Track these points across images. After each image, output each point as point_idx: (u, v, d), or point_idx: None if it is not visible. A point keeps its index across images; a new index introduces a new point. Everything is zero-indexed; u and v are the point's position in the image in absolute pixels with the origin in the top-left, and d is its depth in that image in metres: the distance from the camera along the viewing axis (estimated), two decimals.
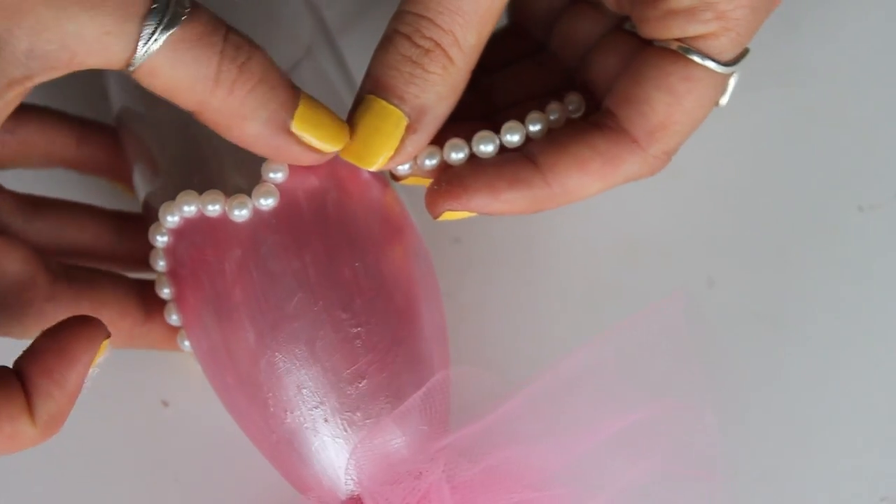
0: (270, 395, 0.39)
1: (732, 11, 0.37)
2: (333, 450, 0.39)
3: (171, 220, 0.40)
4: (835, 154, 0.49)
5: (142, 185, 0.43)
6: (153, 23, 0.34)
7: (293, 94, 0.36)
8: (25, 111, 0.44)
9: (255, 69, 0.35)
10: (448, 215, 0.39)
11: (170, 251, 0.41)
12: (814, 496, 0.45)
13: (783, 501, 0.45)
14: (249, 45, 0.35)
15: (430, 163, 0.40)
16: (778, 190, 0.48)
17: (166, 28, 0.34)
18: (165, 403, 0.46)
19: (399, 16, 0.37)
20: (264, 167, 0.39)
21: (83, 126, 0.45)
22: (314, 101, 0.37)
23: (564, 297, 0.47)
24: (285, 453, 0.40)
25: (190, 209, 0.39)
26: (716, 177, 0.48)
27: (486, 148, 0.40)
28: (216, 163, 0.41)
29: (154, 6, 0.34)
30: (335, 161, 0.39)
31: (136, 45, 0.34)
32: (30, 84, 0.34)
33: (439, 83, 0.37)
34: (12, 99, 0.34)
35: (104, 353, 0.35)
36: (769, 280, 0.47)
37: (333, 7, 0.48)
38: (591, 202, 0.41)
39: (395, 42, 0.37)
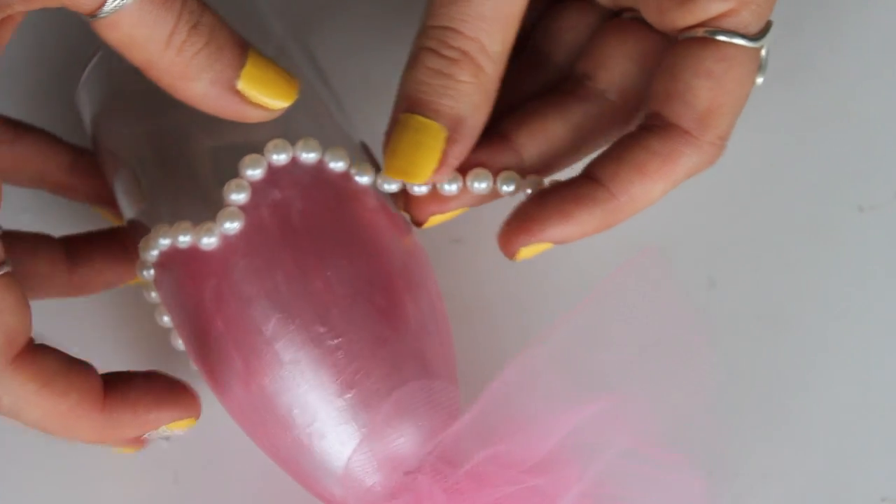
0: (268, 416, 0.39)
1: None
2: (337, 463, 0.38)
3: (152, 254, 0.40)
4: (835, 154, 0.49)
5: (123, 208, 0.43)
6: None
7: (240, 53, 0.36)
8: (25, 129, 0.44)
9: (204, 31, 0.35)
10: (523, 253, 0.39)
11: (158, 284, 0.41)
12: (814, 496, 0.45)
13: (783, 501, 0.45)
14: (201, 8, 0.35)
15: (451, 188, 0.40)
16: (778, 190, 0.48)
17: None
18: None
19: (422, 32, 0.38)
20: (225, 189, 0.39)
21: (77, 152, 0.45)
22: (263, 60, 0.37)
23: (565, 297, 0.46)
24: (295, 469, 0.40)
25: (165, 242, 0.39)
26: (716, 177, 0.47)
27: (481, 185, 0.40)
28: (186, 185, 0.41)
29: None
30: (297, 168, 0.39)
31: None
32: (8, 10, 0.34)
33: (472, 92, 0.38)
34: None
35: (183, 428, 0.39)
36: (769, 280, 0.47)
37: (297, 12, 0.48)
38: None
39: (421, 58, 0.38)
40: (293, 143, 0.39)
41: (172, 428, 0.39)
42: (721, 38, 0.38)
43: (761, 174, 0.48)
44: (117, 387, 0.37)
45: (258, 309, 0.38)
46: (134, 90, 0.41)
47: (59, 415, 0.36)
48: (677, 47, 0.39)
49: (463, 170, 0.40)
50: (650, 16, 0.40)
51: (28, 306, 0.35)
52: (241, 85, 0.36)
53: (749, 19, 0.38)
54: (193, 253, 0.39)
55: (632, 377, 0.39)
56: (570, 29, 0.43)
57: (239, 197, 0.39)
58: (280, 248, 0.38)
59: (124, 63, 0.39)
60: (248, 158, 0.39)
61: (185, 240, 0.39)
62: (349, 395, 0.38)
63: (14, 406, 0.35)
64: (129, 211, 0.42)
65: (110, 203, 0.45)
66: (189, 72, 0.35)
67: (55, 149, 0.45)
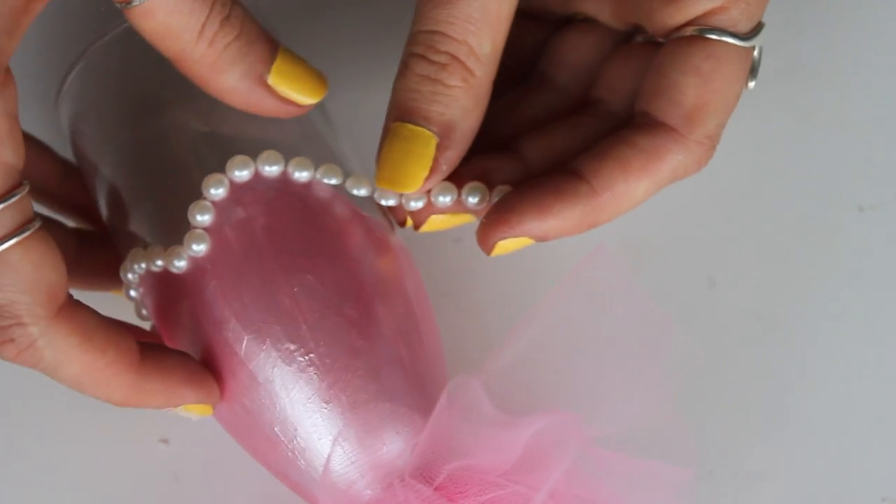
0: (254, 434, 0.39)
1: None
2: (325, 476, 0.38)
3: (132, 277, 0.40)
4: (835, 154, 0.49)
5: (105, 216, 0.43)
6: None
7: (271, 47, 0.36)
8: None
9: (235, 23, 0.35)
10: (501, 248, 0.39)
11: (144, 302, 0.41)
12: (814, 496, 0.45)
13: (783, 501, 0.45)
14: (232, 1, 0.35)
15: (445, 200, 0.39)
16: (778, 190, 0.48)
17: None
18: None
19: (411, 38, 0.37)
20: (189, 211, 0.38)
21: (68, 165, 0.45)
22: (292, 55, 0.37)
23: None
24: (287, 481, 0.40)
25: (140, 267, 0.39)
26: (716, 177, 0.47)
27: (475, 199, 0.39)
28: (164, 200, 0.41)
29: None
30: (260, 183, 0.39)
31: None
32: None
33: (462, 96, 0.37)
34: (33, 8, 0.34)
35: (199, 414, 0.39)
36: (769, 280, 0.47)
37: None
38: None
39: (410, 64, 0.37)
40: (255, 157, 0.39)
41: (190, 410, 0.39)
42: (710, 35, 0.38)
43: (761, 174, 0.48)
44: (153, 354, 0.38)
45: (230, 330, 0.38)
46: (112, 102, 0.41)
47: (96, 370, 0.36)
48: (667, 46, 0.39)
49: (461, 182, 0.40)
50: (646, 22, 0.40)
51: (63, 261, 0.35)
52: (272, 79, 0.36)
53: (739, 17, 0.38)
54: (167, 276, 0.39)
55: (598, 375, 0.39)
56: (574, 51, 0.43)
57: (203, 218, 0.38)
58: (245, 267, 0.38)
59: (103, 75, 0.38)
60: (209, 178, 0.38)
61: (158, 264, 0.39)
62: (326, 409, 0.38)
63: (54, 360, 0.35)
64: (109, 222, 0.42)
65: (96, 223, 0.45)
66: (221, 64, 0.35)
67: (48, 156, 0.45)
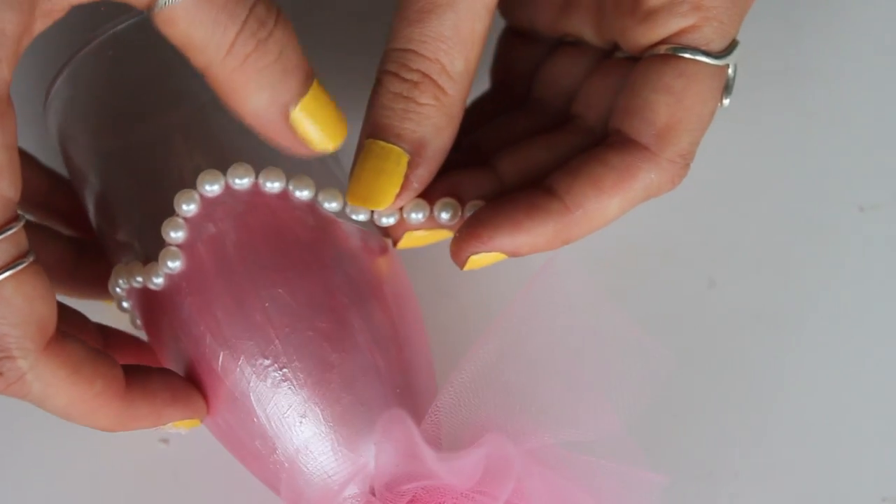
0: (237, 446, 0.39)
1: (708, 0, 0.37)
2: (304, 486, 0.38)
3: (119, 291, 0.40)
4: (835, 154, 0.49)
5: (94, 223, 0.43)
6: None
7: (304, 82, 0.35)
8: None
9: (273, 48, 0.34)
10: (474, 262, 0.38)
11: (136, 314, 0.41)
12: (814, 496, 0.45)
13: (783, 501, 0.45)
14: (274, 21, 0.34)
15: (417, 217, 0.39)
16: (778, 190, 0.48)
17: None
18: None
19: (384, 56, 0.37)
20: (163, 229, 0.38)
21: (55, 177, 0.45)
22: (323, 95, 0.36)
23: None
24: (275, 490, 0.40)
25: (125, 284, 0.39)
26: (716, 177, 0.48)
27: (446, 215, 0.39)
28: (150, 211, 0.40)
29: None
30: (231, 197, 0.38)
31: None
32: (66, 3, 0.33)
33: (434, 115, 0.37)
34: (39, 26, 0.34)
35: (186, 427, 0.39)
36: (769, 280, 0.47)
37: None
38: None
39: (383, 82, 0.37)
40: (225, 171, 0.38)
41: (179, 426, 0.39)
42: (683, 54, 0.38)
43: (761, 174, 0.48)
44: (137, 379, 0.38)
45: (207, 346, 0.38)
46: (98, 109, 0.41)
47: (84, 401, 0.36)
48: (640, 65, 0.39)
49: (434, 197, 0.39)
50: (621, 40, 0.40)
51: (54, 294, 0.35)
52: (295, 115, 0.35)
53: (712, 36, 0.38)
54: (148, 292, 0.39)
55: (557, 385, 0.38)
56: (565, 75, 0.43)
57: (177, 235, 0.38)
58: (217, 283, 0.38)
59: (90, 81, 0.38)
60: (181, 195, 0.38)
61: (139, 280, 0.39)
62: (302, 424, 0.38)
63: (43, 393, 0.35)
64: (98, 231, 0.42)
65: (86, 232, 0.45)
66: (249, 86, 0.35)
67: (35, 168, 0.44)
